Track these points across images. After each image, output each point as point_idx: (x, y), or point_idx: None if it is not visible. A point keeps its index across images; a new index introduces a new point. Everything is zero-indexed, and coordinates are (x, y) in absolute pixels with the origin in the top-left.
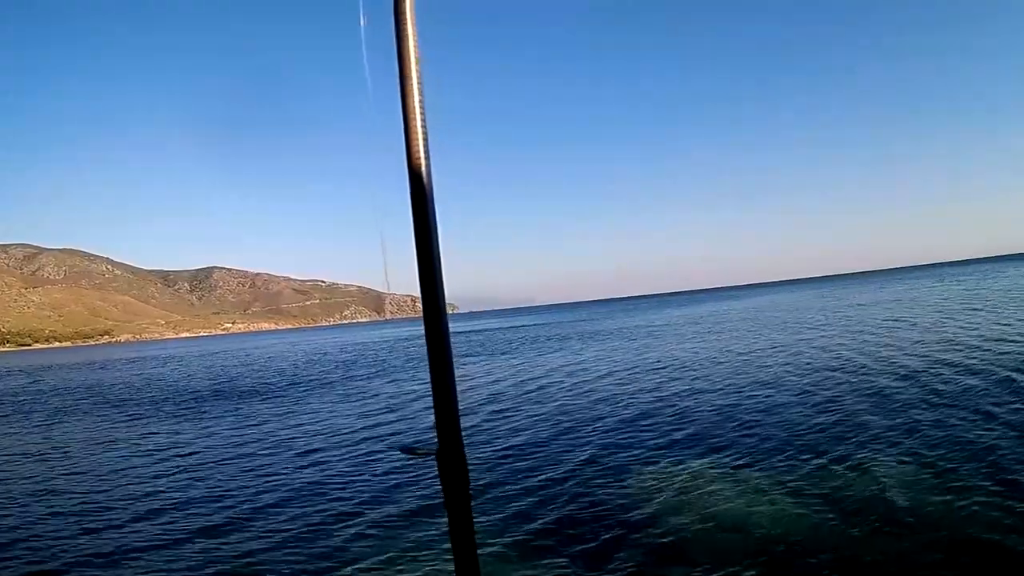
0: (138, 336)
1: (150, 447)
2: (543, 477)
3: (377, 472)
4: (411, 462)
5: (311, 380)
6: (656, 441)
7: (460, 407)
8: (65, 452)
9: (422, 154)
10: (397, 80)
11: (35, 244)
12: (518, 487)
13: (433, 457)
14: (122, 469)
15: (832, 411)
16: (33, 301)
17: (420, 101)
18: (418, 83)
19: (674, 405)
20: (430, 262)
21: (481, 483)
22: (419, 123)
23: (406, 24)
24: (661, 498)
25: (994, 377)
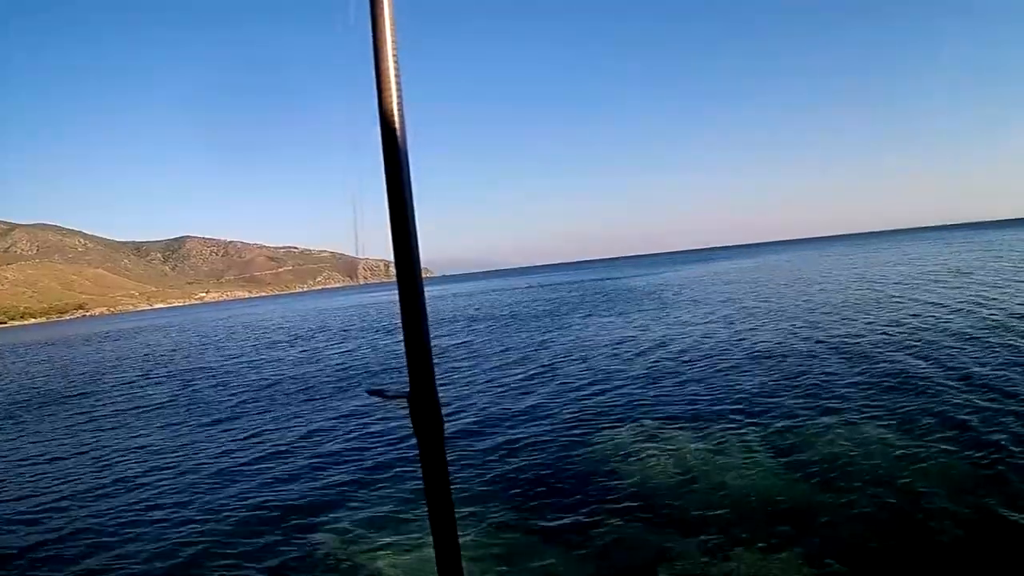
0: (112, 309)
1: (123, 414)
2: (519, 432)
3: (351, 426)
4: (386, 413)
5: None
6: (634, 400)
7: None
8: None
9: (395, 110)
10: (371, 43)
11: (7, 220)
12: (493, 436)
13: (404, 401)
14: (89, 439)
15: (810, 373)
16: (7, 278)
17: (394, 59)
18: (392, 44)
19: (651, 367)
20: (403, 207)
21: (456, 430)
22: (393, 82)
23: None
24: (634, 455)
25: (989, 341)
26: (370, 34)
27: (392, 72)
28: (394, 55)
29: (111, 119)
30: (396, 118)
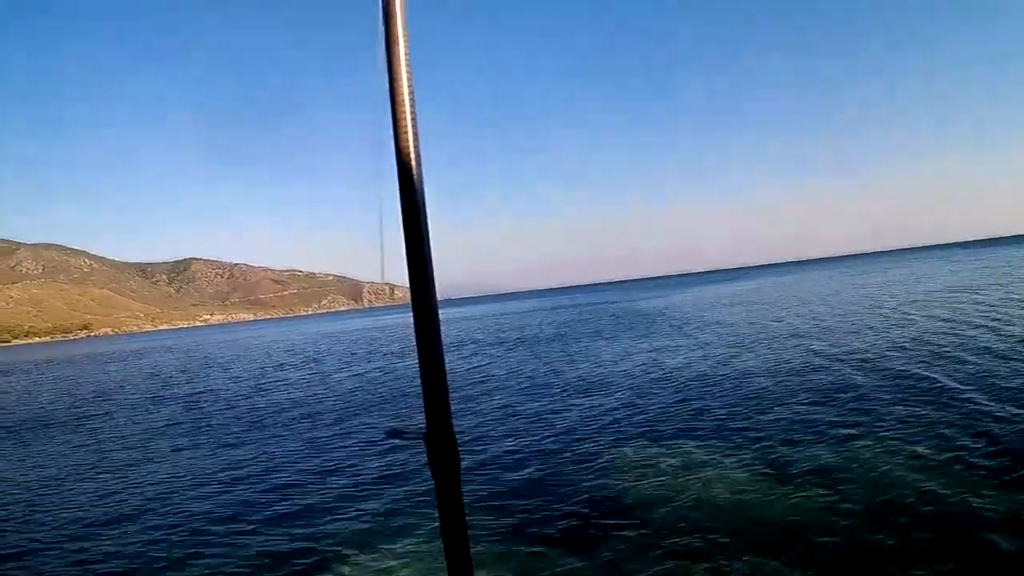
0: (117, 329)
1: (121, 435)
2: (534, 461)
3: (363, 457)
4: (400, 446)
5: (294, 370)
6: (647, 425)
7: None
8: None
9: (410, 135)
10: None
11: (13, 240)
12: (508, 469)
13: (421, 440)
14: (104, 459)
15: (828, 394)
16: (12, 297)
17: (408, 82)
18: (407, 67)
19: (665, 390)
20: (419, 237)
21: (471, 466)
22: (408, 107)
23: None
24: (651, 481)
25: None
26: (386, 76)
27: (408, 107)
28: (410, 90)
29: (118, 140)
30: (412, 154)
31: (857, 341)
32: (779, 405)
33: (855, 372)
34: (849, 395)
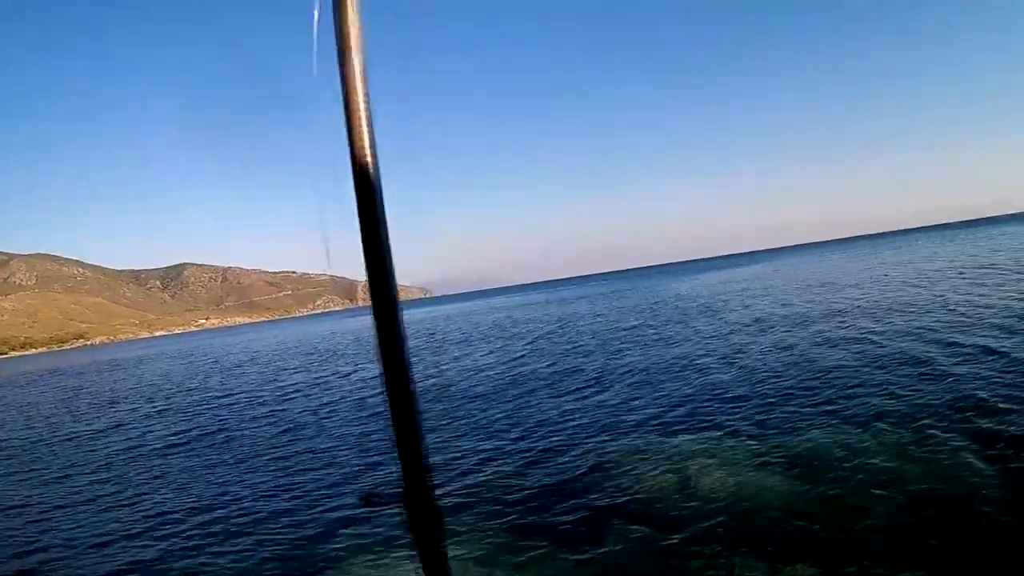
0: (113, 338)
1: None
2: (517, 483)
3: (333, 524)
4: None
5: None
6: (634, 417)
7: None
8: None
9: (365, 132)
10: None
11: (5, 251)
12: (490, 494)
13: (399, 505)
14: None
15: (820, 381)
16: (6, 308)
17: (362, 70)
18: (361, 59)
19: (649, 383)
20: (384, 276)
21: (466, 468)
22: (362, 102)
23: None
24: (644, 477)
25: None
26: (335, 46)
27: (360, 89)
28: (361, 66)
29: (107, 148)
30: (366, 142)
31: (858, 327)
32: (780, 394)
33: (855, 357)
34: (839, 384)
